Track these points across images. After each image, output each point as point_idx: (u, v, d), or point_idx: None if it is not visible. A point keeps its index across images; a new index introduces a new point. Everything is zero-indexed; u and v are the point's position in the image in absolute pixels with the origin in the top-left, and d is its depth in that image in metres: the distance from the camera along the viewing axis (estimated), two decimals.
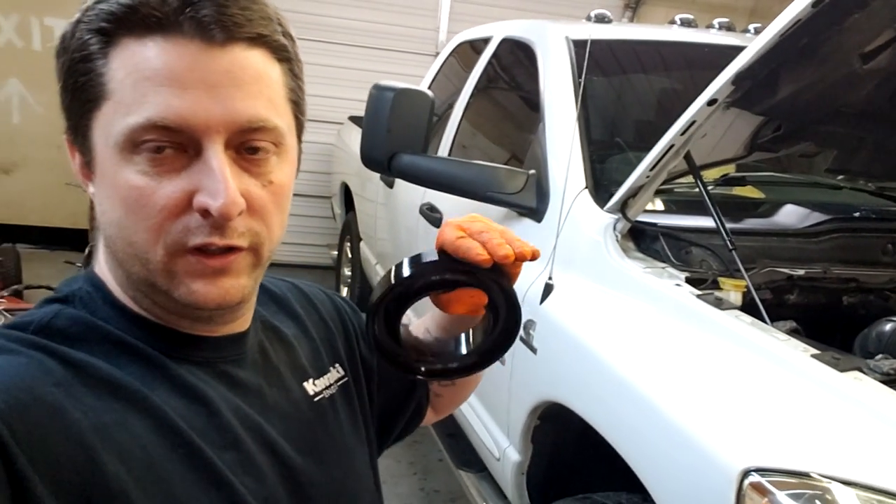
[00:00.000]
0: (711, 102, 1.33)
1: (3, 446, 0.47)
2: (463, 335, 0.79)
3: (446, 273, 0.67)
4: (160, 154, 0.55)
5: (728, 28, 2.49)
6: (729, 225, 1.49)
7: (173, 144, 0.55)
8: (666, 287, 1.39)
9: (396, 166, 1.94)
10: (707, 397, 1.18)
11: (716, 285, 1.44)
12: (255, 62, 0.58)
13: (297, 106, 0.64)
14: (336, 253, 4.68)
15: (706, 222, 1.58)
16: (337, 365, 0.80)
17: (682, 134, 1.39)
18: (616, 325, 1.45)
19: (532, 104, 2.16)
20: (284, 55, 0.61)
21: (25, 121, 5.15)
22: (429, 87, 3.32)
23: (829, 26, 1.22)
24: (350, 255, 4.30)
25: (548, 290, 1.62)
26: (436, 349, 0.79)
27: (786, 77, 1.32)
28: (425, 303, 0.74)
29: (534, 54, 2.26)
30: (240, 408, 0.65)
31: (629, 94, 2.28)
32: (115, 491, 0.52)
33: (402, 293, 0.67)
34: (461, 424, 2.24)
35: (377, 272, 3.55)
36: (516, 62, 2.55)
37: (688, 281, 1.42)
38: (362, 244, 3.97)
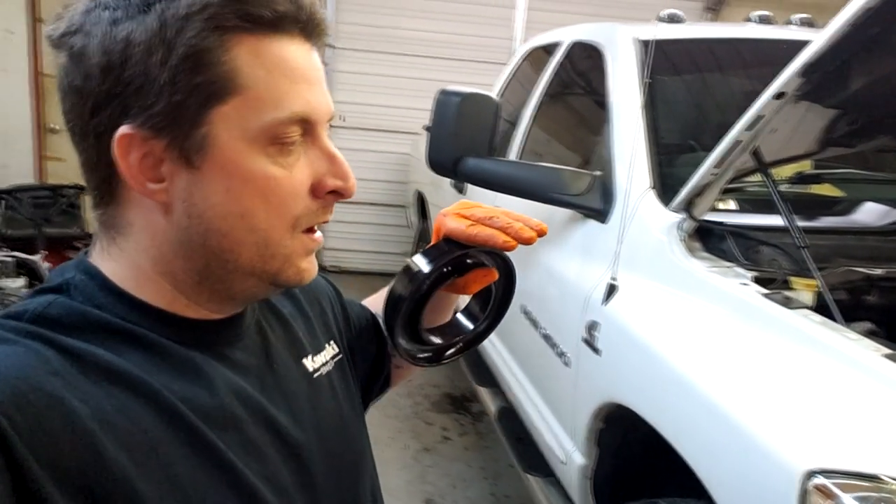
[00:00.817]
0: (779, 96, 1.29)
1: (2, 437, 0.47)
2: (461, 312, 0.84)
3: (467, 259, 0.73)
4: (289, 145, 0.60)
5: (808, 24, 2.40)
6: (803, 223, 1.44)
7: (300, 135, 0.61)
8: (731, 286, 1.35)
9: (462, 170, 1.96)
10: (771, 398, 1.15)
11: (786, 285, 1.39)
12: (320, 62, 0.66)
13: None
14: None
15: (777, 221, 1.53)
16: (332, 342, 0.83)
17: (749, 129, 1.35)
18: (680, 325, 1.42)
19: (600, 106, 2.15)
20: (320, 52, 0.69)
21: None
22: (500, 94, 3.34)
23: None
24: None
25: (612, 290, 1.61)
26: (445, 329, 0.82)
27: (858, 68, 1.27)
28: None
29: (602, 56, 2.24)
30: (241, 388, 0.65)
31: (701, 94, 2.23)
32: (116, 477, 0.52)
33: (429, 287, 0.71)
34: (528, 428, 2.23)
35: None
36: (585, 65, 2.54)
37: (756, 280, 1.38)
38: None
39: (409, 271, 0.70)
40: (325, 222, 0.65)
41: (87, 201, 3.98)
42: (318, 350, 0.80)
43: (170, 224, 0.60)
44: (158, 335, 0.61)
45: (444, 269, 0.72)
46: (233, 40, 0.57)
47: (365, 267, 5.76)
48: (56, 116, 5.36)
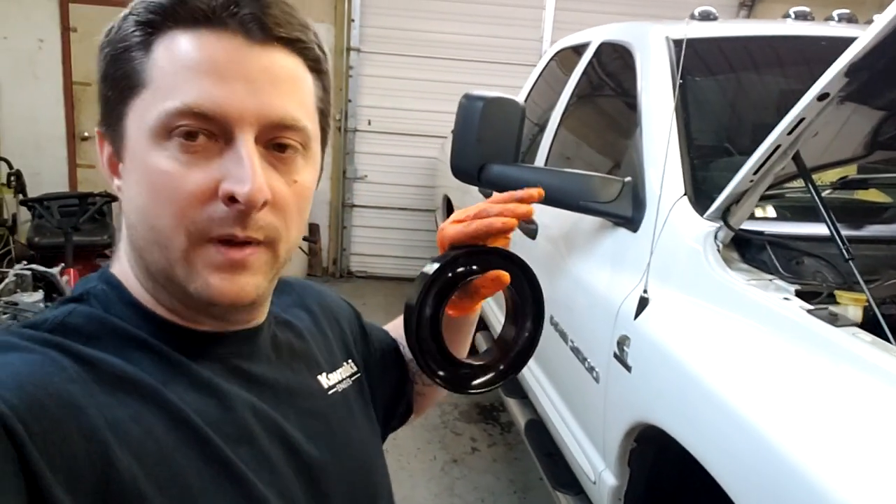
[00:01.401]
0: (822, 97, 1.20)
1: (18, 443, 0.47)
2: (495, 341, 0.79)
3: (472, 255, 0.70)
4: (191, 141, 0.56)
5: (849, 20, 2.29)
6: (848, 232, 1.35)
7: (205, 132, 0.57)
8: (772, 301, 1.27)
9: (486, 177, 1.90)
10: (816, 425, 1.06)
11: (832, 299, 1.30)
12: (291, 66, 0.61)
13: (325, 116, 0.67)
14: None
15: (821, 230, 1.43)
16: (350, 361, 0.83)
17: (790, 133, 1.26)
18: (716, 343, 1.34)
19: (631, 109, 2.07)
20: (317, 66, 0.64)
21: None
22: (528, 96, 3.27)
23: None
24: None
25: (643, 304, 1.53)
26: (477, 356, 0.77)
27: None
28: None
29: (632, 56, 2.16)
30: (254, 403, 0.65)
31: (736, 95, 2.14)
32: (129, 486, 0.52)
33: (441, 287, 0.69)
34: (558, 443, 2.15)
35: None
36: (614, 66, 2.46)
37: (798, 294, 1.29)
38: None
39: (419, 277, 0.69)
40: (241, 238, 0.58)
41: (115, 209, 4.01)
42: (334, 367, 0.79)
43: (126, 223, 0.62)
44: (172, 347, 0.61)
45: (454, 270, 0.70)
46: (154, 35, 0.57)
47: (393, 272, 5.73)
48: (87, 124, 5.43)
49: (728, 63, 2.14)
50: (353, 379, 0.81)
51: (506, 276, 0.71)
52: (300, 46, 0.61)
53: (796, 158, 1.33)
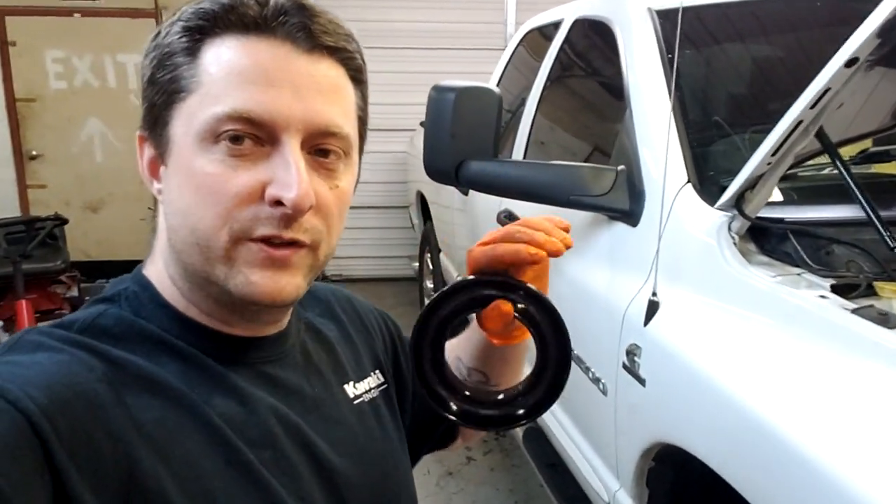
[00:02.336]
0: (850, 63, 1.04)
1: (44, 441, 0.48)
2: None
3: (477, 285, 0.65)
4: (238, 145, 0.57)
5: None
6: (882, 213, 1.19)
7: (252, 137, 0.57)
8: (806, 300, 1.10)
9: (465, 175, 1.72)
10: (863, 443, 0.90)
11: (871, 291, 1.14)
12: (335, 75, 0.62)
13: (363, 125, 0.69)
14: (417, 265, 4.51)
15: (847, 212, 1.28)
16: (377, 371, 0.82)
17: (813, 107, 1.10)
18: (742, 350, 1.17)
19: (615, 91, 1.89)
20: (359, 77, 0.66)
21: (108, 158, 5.26)
22: (498, 84, 3.09)
23: None
24: (431, 267, 4.11)
25: (653, 308, 1.36)
26: (471, 388, 0.70)
27: None
28: None
29: (612, 33, 1.98)
30: (279, 408, 0.65)
31: (732, 67, 1.97)
32: (152, 487, 0.53)
33: (441, 310, 0.65)
34: (561, 456, 1.99)
35: None
36: (592, 45, 2.28)
37: (834, 289, 1.13)
38: (442, 255, 3.78)
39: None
40: (285, 240, 0.59)
41: (68, 229, 3.76)
42: (361, 377, 0.79)
43: (165, 225, 0.63)
44: (200, 350, 0.62)
45: (462, 296, 0.65)
46: (204, 42, 0.58)
47: (371, 273, 5.54)
48: (35, 142, 5.15)
49: (719, 33, 1.97)
50: (380, 389, 0.81)
51: (507, 306, 0.63)
52: (344, 56, 0.62)
53: (820, 134, 1.17)
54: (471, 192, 2.85)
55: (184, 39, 0.59)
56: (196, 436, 0.58)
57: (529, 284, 0.64)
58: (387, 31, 5.14)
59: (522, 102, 2.61)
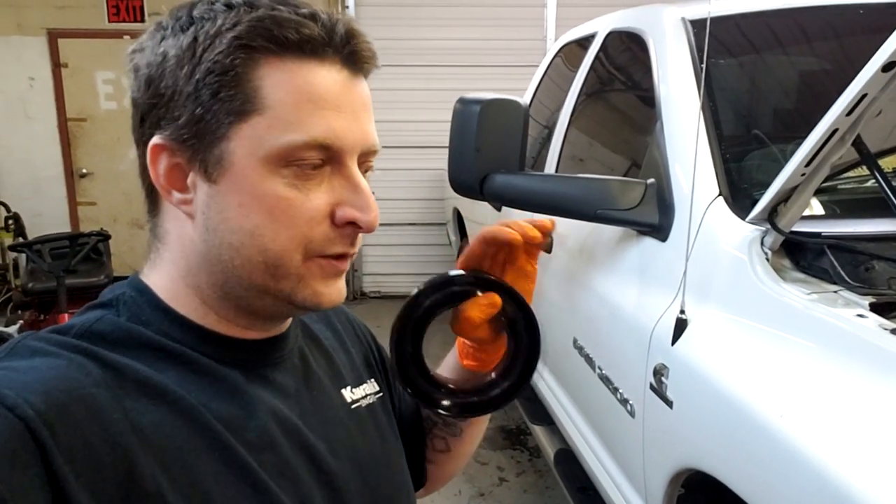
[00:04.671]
0: (888, 67, 0.98)
1: (42, 447, 0.48)
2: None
3: (454, 281, 0.70)
4: (306, 169, 0.59)
5: None
6: None
7: (321, 161, 0.60)
8: (844, 319, 1.03)
9: (490, 189, 1.68)
10: None
11: None
12: (368, 93, 0.64)
13: None
14: None
15: (890, 226, 1.20)
16: (373, 379, 0.83)
17: (849, 114, 1.04)
18: (774, 372, 1.11)
19: (647, 103, 1.84)
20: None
21: None
22: (533, 97, 3.06)
23: None
24: None
25: (681, 326, 1.30)
26: (458, 383, 0.76)
27: None
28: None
29: (645, 44, 1.94)
30: (278, 410, 0.66)
31: (767, 78, 1.90)
32: (151, 491, 0.53)
33: (421, 305, 0.69)
34: (591, 479, 1.92)
35: None
36: (626, 56, 2.24)
37: (873, 308, 1.06)
38: None
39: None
40: (348, 255, 0.63)
41: (110, 247, 3.84)
42: (358, 383, 0.80)
43: (195, 235, 0.62)
44: (199, 353, 0.62)
45: (441, 291, 0.70)
46: (260, 60, 0.58)
47: (408, 290, 5.51)
48: (84, 160, 5.30)
49: (753, 42, 1.90)
50: (377, 397, 0.81)
51: (496, 298, 0.70)
52: (369, 71, 0.65)
53: (857, 143, 1.10)
54: (504, 207, 2.82)
55: (239, 54, 0.58)
56: (194, 439, 0.58)
57: (503, 281, 0.72)
58: (427, 49, 5.15)
59: (557, 116, 2.57)
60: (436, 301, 0.70)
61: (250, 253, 0.60)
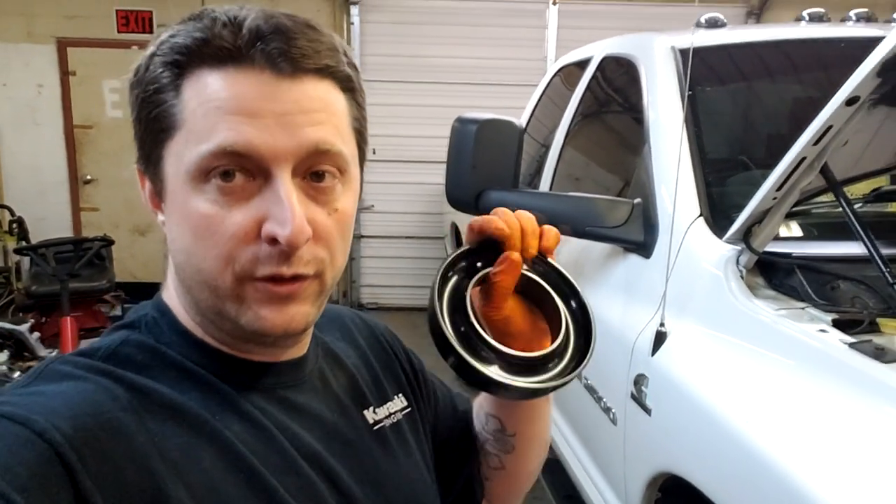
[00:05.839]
0: (851, 101, 1.06)
1: (71, 472, 0.48)
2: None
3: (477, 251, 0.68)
4: (229, 182, 0.56)
5: (867, 19, 2.14)
6: (888, 250, 1.19)
7: (242, 171, 0.56)
8: (807, 333, 1.11)
9: (485, 205, 1.76)
10: (859, 475, 0.90)
11: (874, 328, 1.14)
12: (322, 93, 0.59)
13: (361, 135, 0.65)
14: None
15: (856, 249, 1.28)
16: (400, 395, 0.80)
17: (816, 143, 1.12)
18: (743, 382, 1.18)
19: (638, 124, 1.93)
20: (349, 85, 0.62)
21: None
22: (531, 116, 3.15)
23: None
24: None
25: (660, 338, 1.37)
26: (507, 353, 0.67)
27: None
28: None
29: (636, 69, 2.03)
30: (298, 434, 0.65)
31: (752, 105, 1.99)
32: None
33: (453, 274, 0.67)
34: (577, 487, 1.99)
35: None
36: (618, 80, 2.32)
37: (836, 324, 1.13)
38: None
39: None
40: (287, 276, 0.58)
41: (116, 250, 3.91)
42: (382, 401, 0.77)
43: (172, 260, 0.62)
44: (220, 377, 0.62)
45: (461, 261, 0.68)
46: (185, 76, 0.56)
47: (405, 303, 5.59)
48: (89, 167, 5.38)
49: (740, 71, 1.99)
50: (404, 413, 0.79)
51: (517, 256, 0.67)
52: (329, 71, 0.59)
53: (824, 170, 1.19)
54: None
55: (165, 74, 0.57)
56: (219, 463, 0.57)
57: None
58: (429, 66, 5.25)
59: (553, 136, 2.65)
60: (461, 269, 0.67)
61: (190, 273, 0.60)
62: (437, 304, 0.64)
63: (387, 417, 0.76)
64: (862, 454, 0.95)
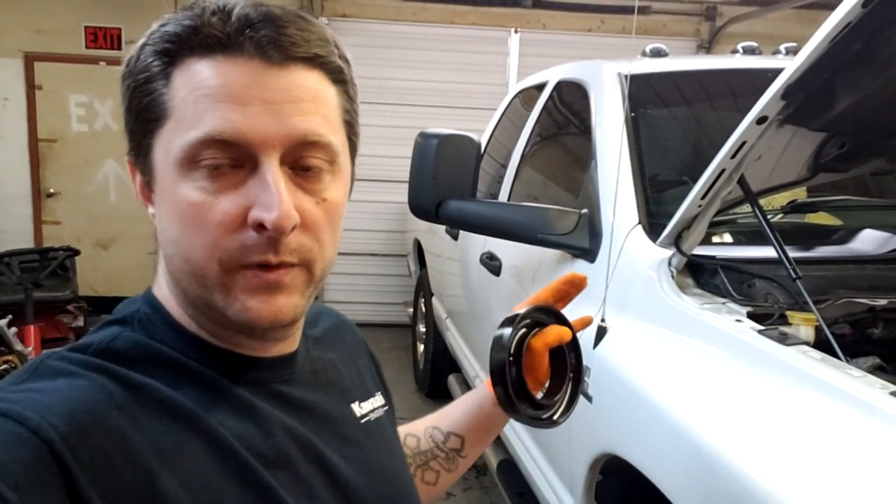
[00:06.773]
0: (761, 120, 1.22)
1: (66, 470, 0.48)
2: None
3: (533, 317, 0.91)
4: (217, 170, 0.56)
5: (796, 52, 2.35)
6: (798, 254, 1.36)
7: (230, 160, 0.56)
8: (724, 323, 1.26)
9: (444, 213, 1.90)
10: (768, 445, 1.04)
11: (784, 320, 1.30)
12: (312, 82, 0.59)
13: (351, 127, 0.66)
14: (412, 310, 4.67)
15: (771, 252, 1.44)
16: (379, 393, 0.83)
17: (733, 157, 1.28)
18: (673, 368, 1.33)
19: (587, 143, 2.09)
20: (340, 77, 0.63)
21: (121, 199, 5.48)
22: (491, 135, 3.31)
23: (886, 26, 1.10)
24: (424, 312, 4.26)
25: (601, 333, 1.52)
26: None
27: (843, 87, 1.20)
28: None
29: (586, 93, 2.20)
30: (293, 427, 0.65)
31: (689, 126, 2.18)
32: None
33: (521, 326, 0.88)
34: (528, 482, 2.11)
35: (448, 327, 3.49)
36: (571, 103, 2.50)
37: (751, 316, 1.29)
38: (434, 299, 3.94)
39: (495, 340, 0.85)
40: (274, 264, 0.58)
41: (77, 263, 3.94)
42: (366, 397, 0.80)
43: (161, 252, 0.63)
44: (215, 372, 0.62)
45: (525, 323, 0.88)
46: (175, 64, 0.57)
47: (368, 319, 5.67)
48: (52, 180, 5.39)
49: (680, 95, 2.18)
50: (384, 410, 0.82)
51: (567, 332, 0.93)
52: (320, 61, 0.60)
53: (741, 182, 1.35)
54: (459, 237, 3.04)
55: (155, 64, 0.57)
56: (213, 459, 0.57)
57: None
58: (393, 88, 5.40)
59: (511, 154, 2.81)
60: (527, 324, 0.88)
61: (179, 263, 0.60)
62: (508, 354, 0.84)
63: (371, 412, 0.78)
64: (771, 423, 1.09)
